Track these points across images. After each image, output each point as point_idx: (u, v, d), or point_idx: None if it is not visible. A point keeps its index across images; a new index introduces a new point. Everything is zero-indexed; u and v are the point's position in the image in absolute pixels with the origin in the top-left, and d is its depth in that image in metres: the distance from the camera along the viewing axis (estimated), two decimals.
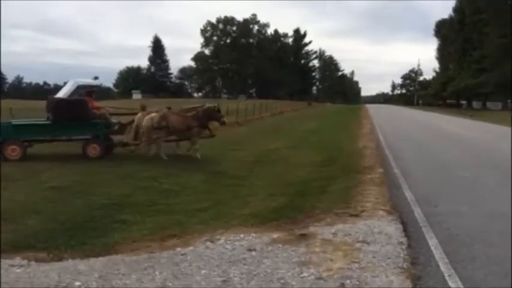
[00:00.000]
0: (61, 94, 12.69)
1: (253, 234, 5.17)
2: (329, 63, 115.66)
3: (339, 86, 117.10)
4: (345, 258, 4.28)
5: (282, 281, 3.76)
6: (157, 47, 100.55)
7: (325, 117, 36.48)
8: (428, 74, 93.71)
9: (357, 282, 3.70)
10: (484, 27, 50.80)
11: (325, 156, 12.25)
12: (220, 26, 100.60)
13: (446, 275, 3.83)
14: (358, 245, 4.70)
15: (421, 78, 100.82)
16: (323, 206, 6.52)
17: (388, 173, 9.05)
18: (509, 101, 51.62)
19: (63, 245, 4.89)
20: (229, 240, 4.94)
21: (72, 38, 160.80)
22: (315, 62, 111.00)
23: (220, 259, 4.31)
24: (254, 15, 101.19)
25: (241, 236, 5.11)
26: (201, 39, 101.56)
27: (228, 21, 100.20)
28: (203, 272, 3.98)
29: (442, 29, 72.03)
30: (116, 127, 12.64)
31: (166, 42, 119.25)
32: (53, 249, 4.73)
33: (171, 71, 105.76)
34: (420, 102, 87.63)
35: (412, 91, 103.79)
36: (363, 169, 9.65)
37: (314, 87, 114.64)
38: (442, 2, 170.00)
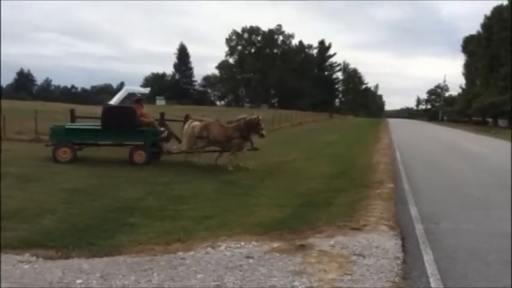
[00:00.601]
0: (113, 101, 13.22)
1: (254, 243, 5.32)
2: (353, 76, 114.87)
3: (362, 99, 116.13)
4: (339, 270, 4.38)
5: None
6: (183, 54, 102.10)
7: (344, 129, 36.34)
8: (454, 90, 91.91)
9: None
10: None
11: (337, 169, 12.31)
12: (245, 35, 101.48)
13: None
14: (354, 257, 4.79)
15: (447, 94, 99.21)
16: (326, 218, 6.62)
17: (398, 189, 9.06)
18: None
19: (72, 244, 5.15)
20: (230, 247, 5.10)
21: (99, 43, 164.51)
22: (339, 74, 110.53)
23: (217, 265, 4.48)
24: (279, 25, 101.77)
25: (242, 243, 5.27)
26: (226, 48, 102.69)
27: (253, 31, 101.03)
28: (199, 276, 4.15)
29: (469, 45, 70.97)
30: (164, 135, 12.91)
31: (191, 50, 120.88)
32: (61, 248, 4.99)
33: (195, 78, 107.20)
34: (445, 118, 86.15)
35: (437, 107, 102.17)
36: (372, 184, 9.69)
37: (337, 99, 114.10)
38: (470, 17, 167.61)
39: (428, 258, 4.76)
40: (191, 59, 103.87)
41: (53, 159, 11.51)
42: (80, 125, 13.35)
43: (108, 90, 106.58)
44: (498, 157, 17.24)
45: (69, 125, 12.80)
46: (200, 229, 6.16)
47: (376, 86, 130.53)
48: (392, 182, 9.77)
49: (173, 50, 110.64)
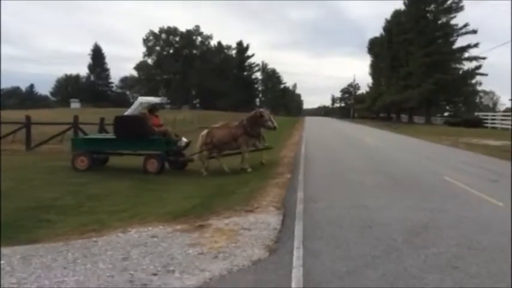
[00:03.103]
0: (128, 112, 13.10)
1: (161, 227, 6.24)
2: (272, 76, 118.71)
3: (281, 99, 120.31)
4: (227, 240, 5.47)
5: (171, 256, 4.87)
6: (98, 54, 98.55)
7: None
8: (364, 89, 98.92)
9: (227, 255, 4.89)
10: (409, 47, 55.11)
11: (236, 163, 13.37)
12: (163, 36, 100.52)
13: (295, 247, 5.12)
14: (241, 231, 5.91)
15: (359, 92, 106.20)
16: (227, 204, 7.70)
17: (293, 179, 10.43)
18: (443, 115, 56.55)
19: None
20: (139, 231, 5.97)
21: (6, 43, 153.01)
22: (258, 74, 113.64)
23: (125, 243, 5.35)
24: (197, 26, 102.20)
25: (150, 228, 6.17)
26: (143, 49, 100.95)
27: (171, 31, 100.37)
28: (108, 252, 5.00)
29: (374, 46, 76.92)
30: (181, 143, 13.06)
31: (106, 50, 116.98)
32: None
33: (112, 80, 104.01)
34: (355, 115, 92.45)
35: (349, 104, 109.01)
36: (273, 175, 11.01)
37: (257, 99, 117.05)
38: (376, 19, 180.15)
39: (298, 227, 6.02)
40: (107, 60, 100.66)
41: (72, 167, 12.02)
42: (97, 135, 14.00)
43: (16, 94, 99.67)
44: (387, 149, 19.61)
45: (88, 136, 13.44)
46: (114, 220, 6.90)
47: (295, 85, 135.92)
48: (290, 173, 11.15)
49: (87, 50, 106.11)
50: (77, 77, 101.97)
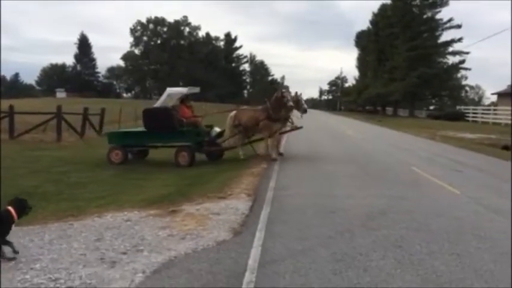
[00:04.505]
0: (157, 104, 13.06)
1: (136, 212, 6.60)
2: (260, 68, 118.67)
3: (269, 90, 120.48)
4: (196, 224, 5.85)
5: (141, 237, 5.24)
6: (84, 44, 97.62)
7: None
8: (351, 82, 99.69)
9: (194, 236, 5.28)
10: (395, 41, 55.77)
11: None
12: (151, 26, 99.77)
13: (258, 229, 5.53)
14: (211, 216, 6.30)
15: (346, 85, 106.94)
16: (202, 192, 8.07)
17: (269, 168, 10.84)
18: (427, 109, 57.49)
19: None
20: (114, 216, 6.32)
21: None
22: (246, 66, 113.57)
23: (100, 226, 5.71)
24: (185, 17, 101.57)
25: (125, 213, 6.52)
26: (131, 39, 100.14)
27: (159, 21, 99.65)
28: (83, 234, 5.36)
29: (361, 40, 77.53)
30: (214, 132, 13.10)
31: (93, 39, 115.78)
32: None
33: (99, 69, 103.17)
34: (342, 108, 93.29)
35: (336, 97, 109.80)
36: (251, 165, 11.41)
37: (245, 91, 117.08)
38: (364, 12, 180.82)
39: (264, 212, 6.43)
40: (93, 50, 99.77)
41: (108, 160, 12.16)
42: (129, 129, 14.29)
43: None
44: (366, 140, 20.13)
45: (123, 130, 13.74)
46: (92, 206, 7.21)
47: (283, 78, 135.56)
48: (267, 163, 11.56)
49: (73, 39, 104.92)
50: (63, 66, 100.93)
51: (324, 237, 5.24)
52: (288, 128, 12.93)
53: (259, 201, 7.24)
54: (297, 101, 12.41)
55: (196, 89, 13.53)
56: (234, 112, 13.13)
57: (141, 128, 12.87)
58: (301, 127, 13.22)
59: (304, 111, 12.53)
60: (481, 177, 10.07)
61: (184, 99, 12.90)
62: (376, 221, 5.98)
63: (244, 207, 6.81)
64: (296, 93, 12.61)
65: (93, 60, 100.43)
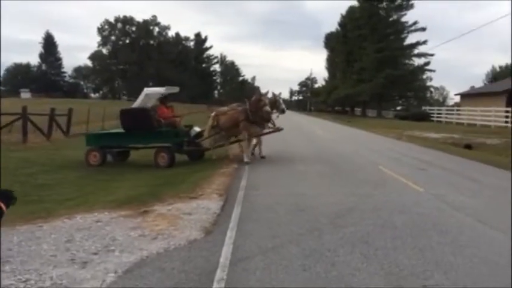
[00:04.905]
0: (135, 104, 12.73)
1: (106, 213, 6.56)
2: (230, 68, 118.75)
3: (240, 91, 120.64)
4: (167, 224, 5.89)
5: (112, 238, 5.24)
6: (50, 43, 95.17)
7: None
8: (321, 82, 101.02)
9: (166, 236, 5.32)
10: (363, 42, 56.92)
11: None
12: (119, 25, 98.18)
13: (230, 228, 5.62)
14: (182, 216, 6.34)
15: (316, 86, 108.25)
16: (173, 192, 8.09)
17: (239, 168, 10.94)
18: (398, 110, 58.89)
19: None
20: (84, 217, 6.28)
21: None
22: (217, 67, 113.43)
23: (70, 228, 5.66)
24: (154, 16, 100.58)
25: (95, 214, 6.48)
26: (98, 38, 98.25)
27: (127, 21, 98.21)
28: (53, 236, 5.31)
29: (330, 41, 78.70)
30: (193, 132, 12.95)
31: (59, 38, 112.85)
32: None
33: (65, 69, 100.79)
34: (312, 108, 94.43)
35: (306, 98, 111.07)
36: (223, 165, 11.48)
37: (216, 91, 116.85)
38: (333, 13, 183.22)
39: (236, 211, 6.52)
40: (59, 49, 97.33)
41: (86, 163, 11.95)
42: (109, 130, 13.98)
43: None
44: (335, 141, 20.54)
45: (101, 131, 13.48)
46: (61, 208, 7.12)
47: (253, 78, 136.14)
48: (238, 163, 11.66)
49: (38, 38, 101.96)
50: (27, 66, 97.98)
51: (294, 234, 5.39)
52: (268, 130, 12.90)
53: (231, 200, 7.33)
54: (275, 102, 12.40)
55: (176, 89, 13.46)
56: (214, 112, 13.12)
57: (120, 129, 12.73)
58: (282, 129, 13.16)
59: (282, 111, 12.42)
60: (443, 175, 10.48)
61: (163, 100, 12.81)
62: (344, 219, 6.17)
63: (216, 206, 6.89)
64: (274, 94, 12.64)
65: (59, 59, 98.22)
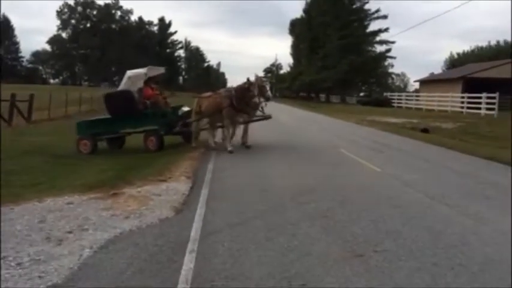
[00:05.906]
0: (119, 88, 12.32)
1: (76, 196, 6.71)
2: (195, 54, 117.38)
3: (205, 77, 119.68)
4: (138, 204, 6.13)
5: (85, 218, 5.45)
6: (5, 26, 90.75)
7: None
8: (286, 69, 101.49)
9: (138, 215, 5.58)
10: (327, 29, 57.65)
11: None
12: (79, 9, 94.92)
13: (199, 207, 5.93)
14: (153, 197, 6.59)
15: (282, 72, 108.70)
16: (141, 176, 8.29)
17: (206, 153, 11.22)
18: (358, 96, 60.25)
19: None
20: (54, 200, 6.41)
21: None
22: (181, 52, 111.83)
23: (41, 210, 5.81)
24: (116, 0, 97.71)
25: (66, 197, 6.62)
26: (57, 22, 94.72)
27: (88, 4, 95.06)
28: (25, 217, 5.45)
29: (295, 28, 79.16)
30: (181, 112, 12.69)
31: (15, 21, 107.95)
32: None
33: (22, 54, 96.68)
34: (277, 94, 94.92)
35: (272, 84, 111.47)
36: (190, 149, 11.72)
37: (180, 77, 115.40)
38: (297, 1, 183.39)
39: (204, 192, 6.85)
40: (16, 32, 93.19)
41: (77, 150, 11.79)
42: (98, 117, 13.52)
43: None
44: (299, 126, 21.08)
45: (90, 118, 13.18)
46: (30, 192, 7.18)
47: (219, 64, 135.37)
48: (204, 148, 11.92)
49: None
50: None
51: (259, 211, 5.76)
52: (256, 118, 12.56)
53: (199, 182, 7.63)
54: (262, 87, 11.38)
55: (161, 69, 13.29)
56: (198, 96, 12.85)
57: (107, 115, 12.55)
58: (270, 116, 12.62)
59: (268, 99, 11.61)
60: (399, 156, 11.14)
61: (147, 81, 12.43)
62: (306, 197, 6.60)
63: (185, 188, 7.17)
64: (260, 78, 11.88)
65: (16, 43, 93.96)
